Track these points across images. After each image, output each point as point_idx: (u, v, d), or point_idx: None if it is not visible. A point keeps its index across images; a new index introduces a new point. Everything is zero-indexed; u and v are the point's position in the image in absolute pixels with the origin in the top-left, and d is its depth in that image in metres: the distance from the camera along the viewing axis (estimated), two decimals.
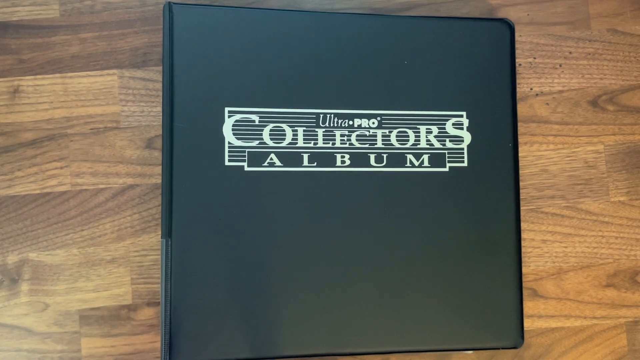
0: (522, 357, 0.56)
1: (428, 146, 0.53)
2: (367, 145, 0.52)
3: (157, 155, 0.54)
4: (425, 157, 0.53)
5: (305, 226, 0.51)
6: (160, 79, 0.54)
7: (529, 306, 0.56)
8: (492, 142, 0.54)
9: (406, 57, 0.53)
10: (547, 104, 0.57)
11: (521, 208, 0.55)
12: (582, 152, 0.57)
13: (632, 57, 0.58)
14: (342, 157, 0.52)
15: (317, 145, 0.52)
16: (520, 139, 0.56)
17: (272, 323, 0.50)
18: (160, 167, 0.52)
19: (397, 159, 0.52)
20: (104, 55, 0.54)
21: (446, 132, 0.53)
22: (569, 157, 0.57)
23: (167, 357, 0.49)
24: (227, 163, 0.51)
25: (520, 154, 0.56)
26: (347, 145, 0.52)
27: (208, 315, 0.50)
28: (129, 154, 0.54)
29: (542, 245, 0.56)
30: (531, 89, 0.57)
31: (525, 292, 0.56)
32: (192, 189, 0.50)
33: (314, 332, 0.51)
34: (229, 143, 0.51)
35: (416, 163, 0.53)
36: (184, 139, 0.50)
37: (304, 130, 0.52)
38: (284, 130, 0.52)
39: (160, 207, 0.53)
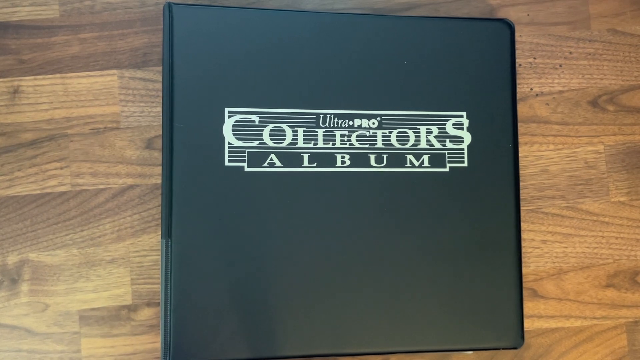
0: (522, 358, 0.56)
1: (428, 146, 0.53)
2: (367, 146, 0.52)
3: (157, 155, 0.54)
4: (426, 158, 0.53)
5: (306, 226, 0.51)
6: (160, 79, 0.54)
7: (529, 306, 0.56)
8: (492, 142, 0.54)
9: (406, 57, 0.53)
10: (547, 104, 0.57)
11: (521, 208, 0.55)
12: (582, 153, 0.57)
13: (632, 57, 0.58)
14: (342, 157, 0.52)
15: (317, 146, 0.52)
16: (520, 139, 0.56)
17: (272, 323, 0.50)
18: (160, 167, 0.52)
19: (397, 159, 0.52)
20: (104, 55, 0.54)
21: (446, 133, 0.53)
22: (569, 158, 0.57)
23: (167, 357, 0.49)
24: (227, 163, 0.51)
25: (520, 154, 0.56)
26: (347, 146, 0.52)
27: (208, 315, 0.50)
28: (129, 154, 0.54)
29: (542, 246, 0.56)
30: (531, 89, 0.57)
31: (525, 293, 0.56)
32: (192, 190, 0.50)
33: (314, 332, 0.51)
34: (229, 143, 0.51)
35: (416, 163, 0.53)
36: (184, 139, 0.50)
37: (304, 131, 0.52)
38: (284, 131, 0.52)
39: (160, 208, 0.53)
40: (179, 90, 0.50)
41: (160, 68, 0.54)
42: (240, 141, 0.51)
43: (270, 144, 0.51)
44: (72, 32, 0.54)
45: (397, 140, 0.53)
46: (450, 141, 0.53)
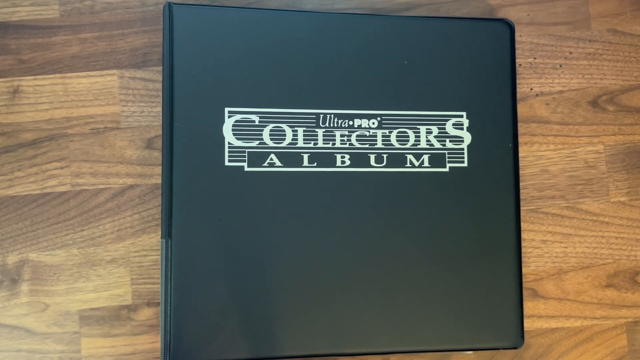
0: (522, 358, 0.56)
1: (428, 146, 0.53)
2: (367, 146, 0.52)
3: (157, 155, 0.54)
4: (426, 158, 0.53)
5: (306, 226, 0.51)
6: (160, 79, 0.54)
7: (529, 306, 0.56)
8: (492, 142, 0.54)
9: (406, 57, 0.53)
10: (547, 104, 0.57)
11: (521, 208, 0.55)
12: (583, 153, 0.57)
13: (632, 57, 0.58)
14: (342, 157, 0.52)
15: (317, 146, 0.52)
16: (521, 139, 0.56)
17: (272, 323, 0.50)
18: (160, 167, 0.52)
19: (397, 159, 0.52)
20: (104, 55, 0.54)
21: (446, 133, 0.53)
22: (569, 158, 0.57)
23: (167, 357, 0.49)
24: (227, 163, 0.51)
25: (520, 154, 0.56)
26: (347, 146, 0.52)
27: (208, 315, 0.50)
28: (129, 154, 0.54)
29: (542, 246, 0.56)
30: (531, 89, 0.57)
31: (525, 293, 0.56)
32: (192, 189, 0.50)
33: (314, 332, 0.51)
34: (229, 143, 0.51)
35: (416, 163, 0.53)
36: (184, 139, 0.50)
37: (304, 131, 0.52)
38: (284, 131, 0.52)
39: (160, 207, 0.53)
40: (179, 90, 0.50)
41: (160, 68, 0.54)
42: (240, 141, 0.51)
43: (270, 144, 0.51)
44: (72, 32, 0.54)
45: (397, 140, 0.53)
46: (450, 141, 0.53)
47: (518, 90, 0.57)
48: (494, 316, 0.52)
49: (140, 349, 0.53)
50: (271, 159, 0.51)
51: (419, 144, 0.53)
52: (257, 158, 0.51)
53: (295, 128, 0.52)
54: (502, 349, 0.53)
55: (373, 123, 0.53)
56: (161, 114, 0.51)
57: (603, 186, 0.57)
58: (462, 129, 0.53)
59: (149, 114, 0.54)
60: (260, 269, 0.50)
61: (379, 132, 0.53)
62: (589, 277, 0.57)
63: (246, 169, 0.51)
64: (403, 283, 0.52)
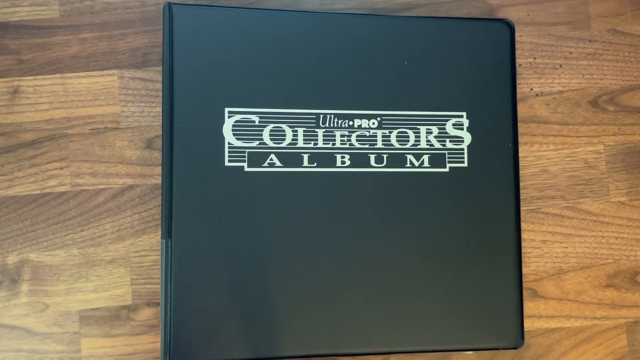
0: (522, 358, 0.56)
1: (428, 146, 0.53)
2: (367, 146, 0.52)
3: (157, 155, 0.54)
4: (426, 158, 0.53)
5: (306, 227, 0.51)
6: (160, 79, 0.54)
7: (529, 306, 0.56)
8: (492, 142, 0.54)
9: (406, 57, 0.53)
10: (547, 104, 0.57)
11: (521, 208, 0.55)
12: (583, 153, 0.57)
13: (632, 57, 0.58)
14: (342, 157, 0.52)
15: (317, 146, 0.52)
16: (521, 139, 0.56)
17: (272, 323, 0.50)
18: (160, 167, 0.52)
19: (397, 159, 0.52)
20: (104, 55, 0.54)
21: (446, 133, 0.53)
22: (569, 158, 0.57)
23: (167, 357, 0.49)
24: (227, 163, 0.51)
25: (520, 154, 0.56)
26: (347, 146, 0.52)
27: (208, 315, 0.50)
28: (129, 154, 0.54)
29: (542, 246, 0.56)
30: (531, 89, 0.57)
31: (525, 293, 0.56)
32: (192, 190, 0.50)
33: (314, 332, 0.51)
34: (229, 143, 0.51)
35: (416, 163, 0.53)
36: (184, 139, 0.50)
37: (304, 131, 0.52)
38: (284, 131, 0.52)
39: (160, 208, 0.53)
40: (179, 90, 0.50)
41: (160, 68, 0.54)
42: (240, 141, 0.51)
43: (270, 144, 0.51)
44: (72, 32, 0.54)
45: (397, 141, 0.53)
46: (450, 141, 0.53)
47: (518, 90, 0.57)
48: (494, 316, 0.52)
49: (140, 349, 0.53)
50: (271, 159, 0.51)
51: (419, 144, 0.53)
52: (257, 158, 0.51)
53: (295, 128, 0.52)
54: (502, 349, 0.53)
55: (373, 123, 0.53)
56: (161, 114, 0.51)
57: (603, 186, 0.57)
58: (462, 129, 0.53)
59: (149, 114, 0.54)
60: (260, 269, 0.50)
61: (379, 132, 0.53)
62: (589, 277, 0.57)
63: (246, 169, 0.51)
64: (403, 283, 0.52)
